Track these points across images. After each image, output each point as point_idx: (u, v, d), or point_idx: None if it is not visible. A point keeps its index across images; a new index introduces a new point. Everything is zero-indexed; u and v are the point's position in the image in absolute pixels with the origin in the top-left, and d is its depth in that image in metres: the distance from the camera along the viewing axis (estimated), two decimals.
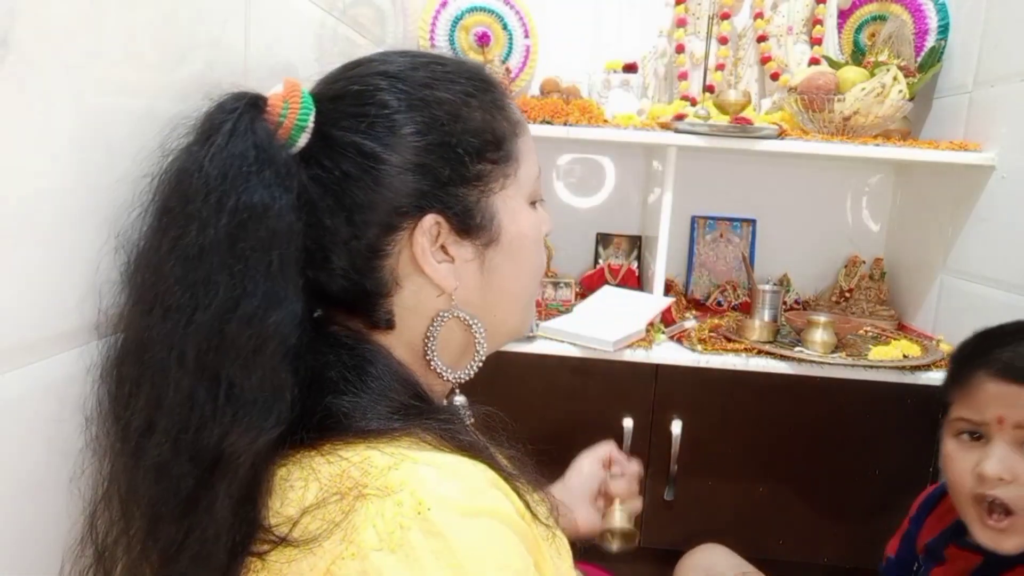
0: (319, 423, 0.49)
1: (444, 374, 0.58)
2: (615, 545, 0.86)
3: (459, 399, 0.61)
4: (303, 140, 0.52)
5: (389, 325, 0.55)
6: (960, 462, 0.80)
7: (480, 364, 0.60)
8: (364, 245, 0.53)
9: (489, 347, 0.60)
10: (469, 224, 0.55)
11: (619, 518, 0.86)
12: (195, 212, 0.46)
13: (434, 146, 0.53)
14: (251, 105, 0.50)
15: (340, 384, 0.51)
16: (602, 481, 0.89)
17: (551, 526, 0.53)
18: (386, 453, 0.46)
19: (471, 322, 0.57)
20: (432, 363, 0.57)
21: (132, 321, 0.48)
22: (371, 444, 0.47)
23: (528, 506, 0.50)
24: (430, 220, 0.53)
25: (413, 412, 0.51)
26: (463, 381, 0.59)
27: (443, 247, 0.55)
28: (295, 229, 0.49)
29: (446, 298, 0.56)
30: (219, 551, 0.45)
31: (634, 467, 0.91)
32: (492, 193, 0.56)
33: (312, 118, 0.52)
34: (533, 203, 0.60)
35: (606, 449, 0.91)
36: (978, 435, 0.80)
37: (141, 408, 0.46)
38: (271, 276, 0.48)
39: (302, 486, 0.46)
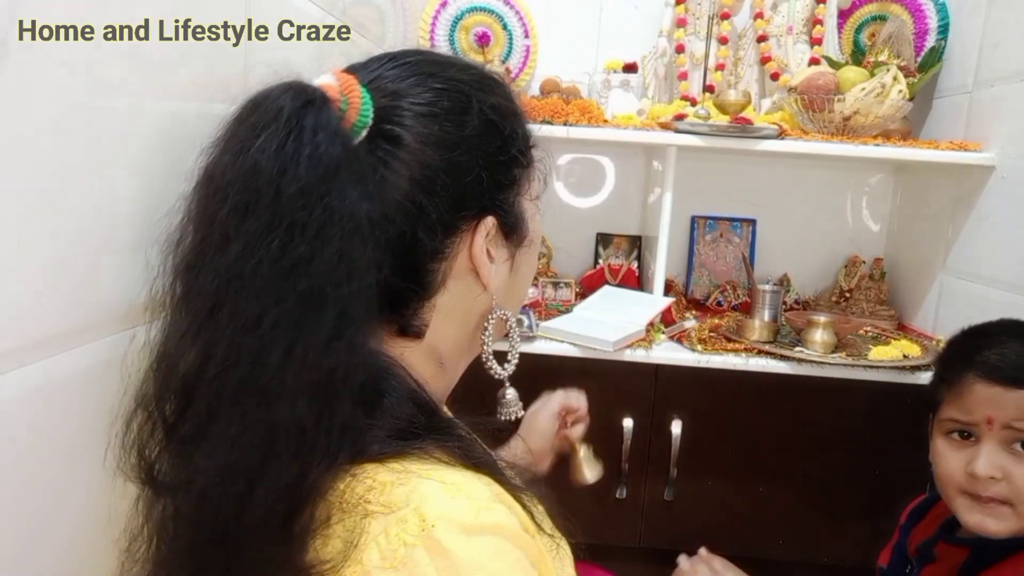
0: None
1: (500, 375, 0.59)
2: (588, 481, 0.89)
3: (511, 392, 0.62)
4: (362, 137, 0.49)
5: (419, 334, 0.54)
6: (950, 461, 0.82)
7: (514, 367, 0.61)
8: (427, 247, 0.52)
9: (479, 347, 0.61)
10: (511, 225, 0.56)
11: (586, 459, 0.89)
12: (297, 222, 0.43)
13: (494, 149, 0.54)
14: (324, 100, 0.47)
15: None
16: (559, 434, 0.91)
17: (556, 537, 0.52)
18: (390, 468, 0.45)
19: (508, 318, 0.59)
20: (489, 361, 0.59)
21: (207, 338, 0.43)
22: (378, 460, 0.46)
23: (533, 517, 0.50)
24: (491, 221, 0.54)
25: (425, 432, 0.49)
26: (511, 374, 0.61)
27: (487, 249, 0.55)
28: (382, 243, 0.47)
29: (486, 298, 0.56)
30: None
31: (583, 405, 0.93)
32: (520, 195, 0.58)
33: (372, 114, 0.50)
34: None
35: (558, 402, 0.92)
36: (968, 434, 0.81)
37: (219, 439, 0.42)
38: (367, 297, 0.46)
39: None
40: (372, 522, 0.43)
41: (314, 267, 0.43)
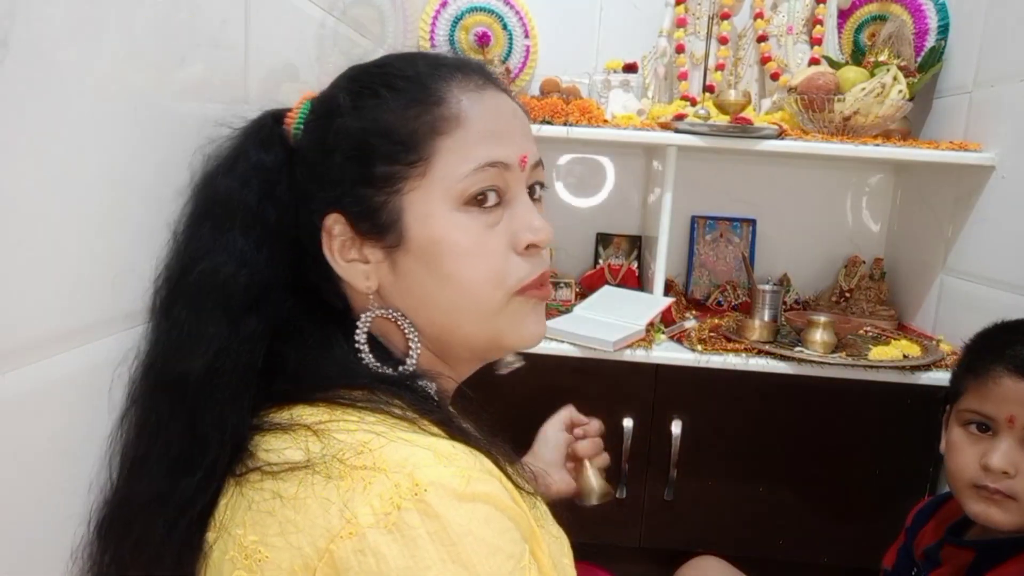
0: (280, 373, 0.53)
1: (377, 368, 0.56)
2: (592, 501, 0.89)
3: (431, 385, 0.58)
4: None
5: (348, 308, 0.58)
6: (965, 453, 0.81)
7: (414, 360, 0.57)
8: (305, 239, 0.57)
9: (455, 352, 0.59)
10: (371, 225, 0.55)
11: (592, 476, 0.89)
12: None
13: (341, 150, 0.55)
14: (274, 118, 0.59)
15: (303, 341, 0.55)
16: (568, 444, 0.91)
17: (547, 513, 0.53)
18: (379, 434, 0.47)
19: (399, 320, 0.57)
20: (362, 356, 0.56)
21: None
22: (347, 411, 0.50)
23: (524, 493, 0.51)
24: (331, 219, 0.55)
25: (376, 377, 0.53)
26: (409, 373, 0.57)
27: (360, 248, 0.56)
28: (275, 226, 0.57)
29: (366, 297, 0.57)
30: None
31: (595, 425, 0.93)
32: (400, 194, 0.54)
33: (302, 126, 0.58)
34: (477, 204, 0.55)
35: (566, 413, 0.93)
36: (985, 427, 0.80)
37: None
38: (242, 267, 0.55)
39: (287, 446, 0.49)
40: (364, 478, 0.44)
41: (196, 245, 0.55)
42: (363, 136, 0.54)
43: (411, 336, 0.57)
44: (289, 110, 0.59)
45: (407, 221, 0.54)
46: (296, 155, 0.58)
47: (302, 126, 0.58)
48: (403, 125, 0.54)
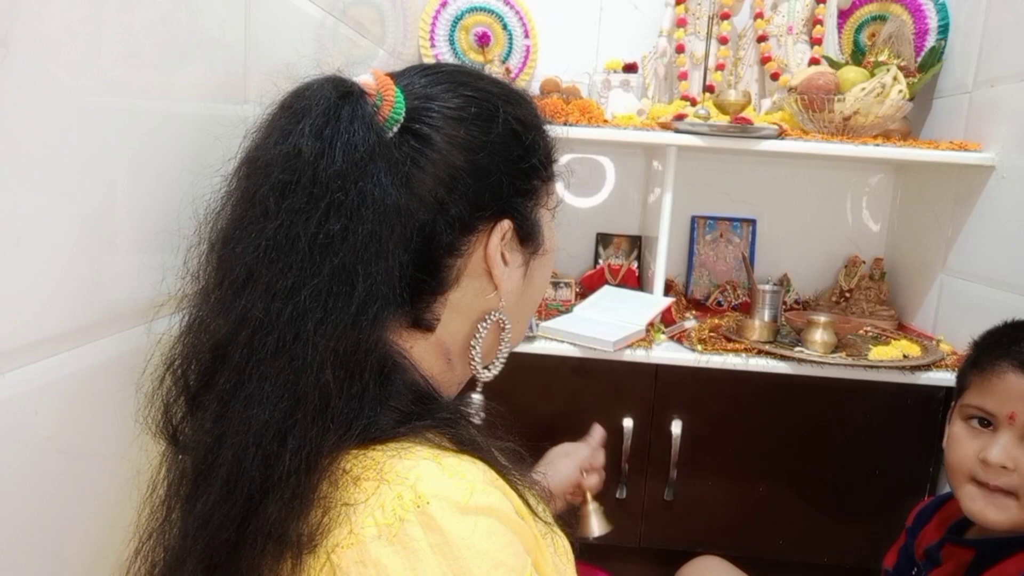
0: None
1: (480, 374, 0.59)
2: (595, 534, 0.92)
3: (477, 396, 0.62)
4: (393, 131, 0.52)
5: (430, 327, 0.55)
6: (964, 446, 0.82)
7: (502, 365, 0.61)
8: (444, 242, 0.53)
9: (490, 352, 0.62)
10: (527, 232, 0.58)
11: (593, 513, 0.92)
12: (334, 202, 0.46)
13: (515, 156, 0.56)
14: (361, 93, 0.50)
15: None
16: (577, 481, 0.94)
17: (551, 523, 0.53)
18: (385, 446, 0.47)
19: (505, 324, 0.59)
20: (473, 361, 0.58)
21: (243, 304, 0.46)
22: (374, 443, 0.47)
23: (528, 504, 0.50)
24: (507, 224, 0.56)
25: (420, 419, 0.50)
26: (489, 380, 0.61)
27: (502, 252, 0.57)
28: (406, 232, 0.50)
29: (495, 299, 0.57)
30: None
31: (600, 458, 0.96)
32: (539, 206, 0.60)
33: (404, 111, 0.52)
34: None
35: (585, 455, 0.96)
36: (987, 422, 0.81)
37: (252, 399, 0.45)
38: (392, 279, 0.49)
39: None
40: (367, 490, 0.44)
41: (347, 245, 0.46)
42: (531, 151, 0.57)
43: (505, 340, 0.60)
44: (352, 85, 0.51)
45: (543, 231, 0.60)
46: (426, 150, 0.52)
47: (401, 117, 0.52)
48: (549, 146, 0.61)
